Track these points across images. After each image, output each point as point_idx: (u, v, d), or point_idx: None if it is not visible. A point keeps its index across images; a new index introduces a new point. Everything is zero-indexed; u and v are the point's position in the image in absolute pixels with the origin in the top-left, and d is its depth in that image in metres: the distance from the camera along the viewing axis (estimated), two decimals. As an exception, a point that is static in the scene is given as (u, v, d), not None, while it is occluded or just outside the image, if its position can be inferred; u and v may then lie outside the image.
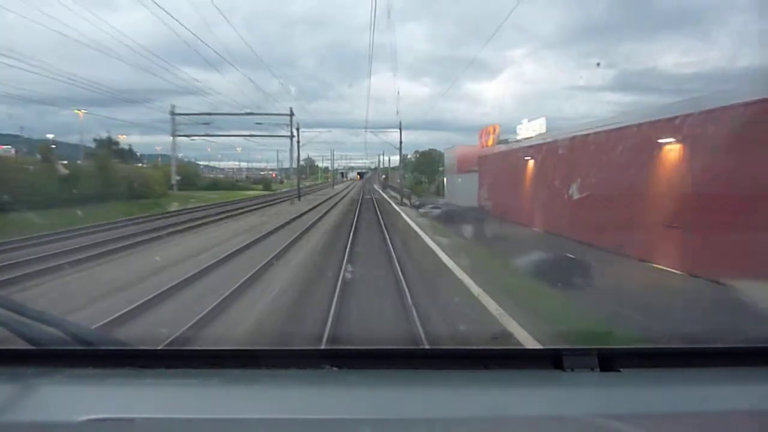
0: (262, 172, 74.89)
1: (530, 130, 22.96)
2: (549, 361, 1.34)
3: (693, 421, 1.12)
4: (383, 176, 72.01)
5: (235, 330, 7.04)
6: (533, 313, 7.14)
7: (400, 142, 39.25)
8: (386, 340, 4.85)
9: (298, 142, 35.99)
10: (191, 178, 44.96)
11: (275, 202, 35.66)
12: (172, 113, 34.82)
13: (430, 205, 30.34)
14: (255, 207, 30.06)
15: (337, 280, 9.59)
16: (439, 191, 41.16)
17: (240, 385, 1.31)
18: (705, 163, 10.33)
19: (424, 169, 56.39)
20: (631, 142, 12.92)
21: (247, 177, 68.27)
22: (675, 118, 11.40)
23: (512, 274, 10.71)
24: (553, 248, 13.17)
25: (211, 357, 1.50)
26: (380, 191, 57.37)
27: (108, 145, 37.45)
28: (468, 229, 19.31)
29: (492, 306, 7.62)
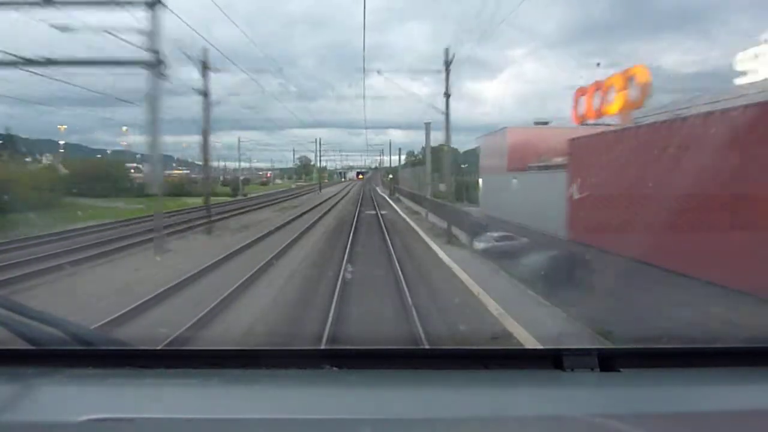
0: (260, 172, 73.38)
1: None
2: (549, 361, 1.34)
3: (693, 421, 1.12)
4: (389, 176, 60.70)
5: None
6: None
7: (426, 139, 26.22)
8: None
9: (206, 94, 18.92)
10: (111, 179, 33.27)
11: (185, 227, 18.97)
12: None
13: (496, 236, 14.71)
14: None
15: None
16: (461, 196, 30.37)
17: (240, 385, 1.31)
18: None
19: (434, 168, 48.66)
20: None
21: (222, 177, 60.37)
22: None
23: None
24: None
25: (211, 357, 1.50)
26: (386, 197, 45.63)
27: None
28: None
29: None
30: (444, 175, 23.87)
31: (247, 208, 29.43)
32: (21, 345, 1.37)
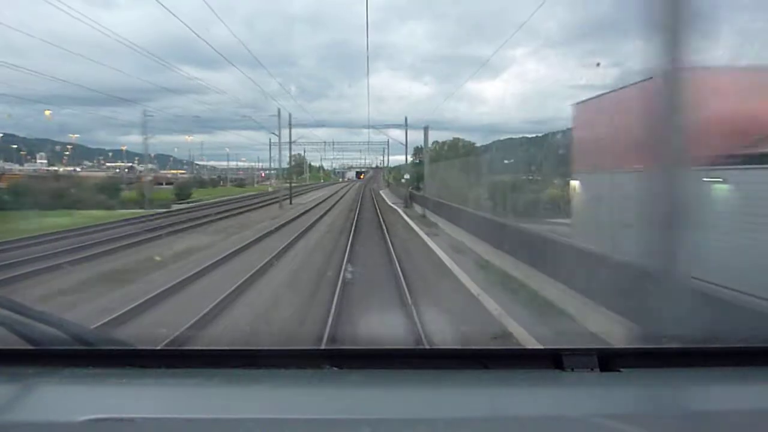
0: (259, 172, 73.31)
1: None
2: (549, 360, 1.34)
3: (693, 421, 1.12)
4: (403, 177, 44.97)
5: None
6: None
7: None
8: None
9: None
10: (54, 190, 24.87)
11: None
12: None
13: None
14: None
15: None
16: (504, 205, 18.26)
17: (240, 384, 1.31)
18: None
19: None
20: None
21: (195, 177, 58.61)
22: None
23: None
24: None
25: (211, 357, 1.50)
26: (399, 209, 30.68)
27: None
28: None
29: None
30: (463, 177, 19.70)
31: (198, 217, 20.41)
32: (21, 345, 1.37)
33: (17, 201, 24.02)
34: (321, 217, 26.17)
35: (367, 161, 77.27)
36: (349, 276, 10.31)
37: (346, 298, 8.96)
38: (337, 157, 72.33)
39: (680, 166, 4.66)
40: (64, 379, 1.30)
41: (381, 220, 23.68)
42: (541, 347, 1.45)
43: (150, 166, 59.51)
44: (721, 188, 7.37)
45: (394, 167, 67.41)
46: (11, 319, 1.38)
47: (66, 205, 21.78)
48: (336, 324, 7.55)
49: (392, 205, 35.12)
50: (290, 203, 34.89)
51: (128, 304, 8.27)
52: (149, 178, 40.65)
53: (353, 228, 19.82)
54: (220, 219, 24.00)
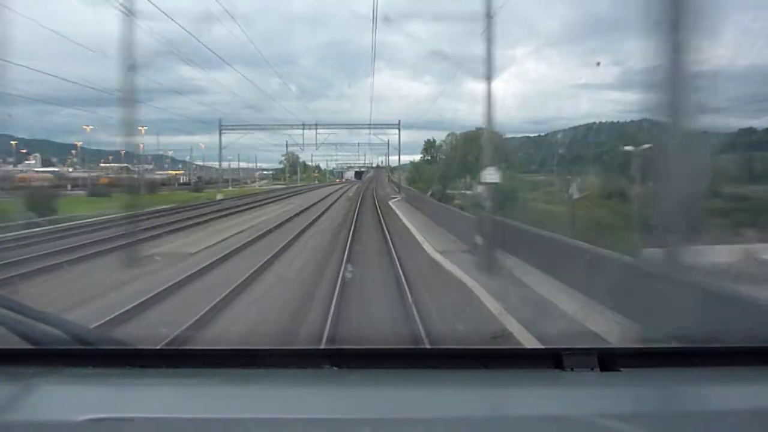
0: (267, 171, 70.73)
1: None
2: (549, 360, 1.34)
3: (693, 421, 1.12)
4: (438, 182, 33.17)
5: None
6: None
7: None
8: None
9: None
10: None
11: None
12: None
13: None
14: None
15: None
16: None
17: (240, 384, 1.31)
18: None
19: (468, 162, 29.06)
20: None
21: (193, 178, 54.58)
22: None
23: None
24: None
25: (211, 356, 1.51)
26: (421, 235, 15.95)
27: None
28: None
29: None
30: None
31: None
32: (21, 344, 1.37)
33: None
34: (316, 220, 18.53)
35: (367, 161, 72.18)
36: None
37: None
38: (335, 157, 68.64)
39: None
40: (64, 379, 1.30)
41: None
42: (541, 347, 1.45)
43: (147, 166, 59.16)
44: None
45: (410, 164, 51.69)
46: (11, 318, 1.38)
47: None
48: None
49: (408, 222, 19.38)
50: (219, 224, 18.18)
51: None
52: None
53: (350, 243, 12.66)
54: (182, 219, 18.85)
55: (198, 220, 21.02)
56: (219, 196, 36.85)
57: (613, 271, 7.49)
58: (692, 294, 5.98)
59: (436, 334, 6.50)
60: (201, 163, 65.98)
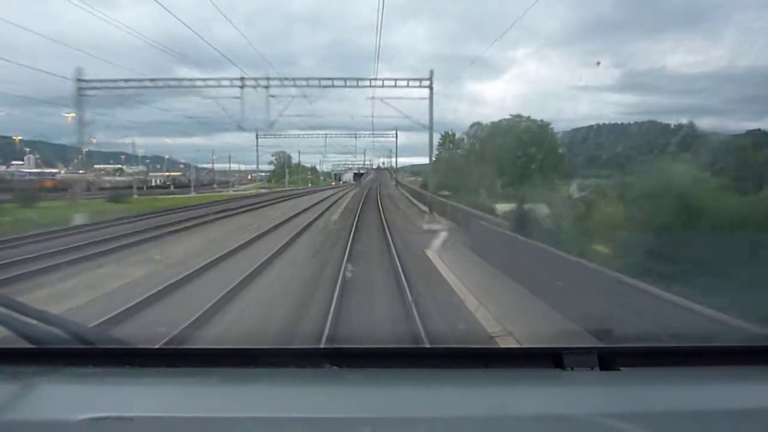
0: (265, 173, 67.35)
1: None
2: (549, 359, 1.34)
3: (693, 421, 1.12)
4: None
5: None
6: None
7: None
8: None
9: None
10: None
11: None
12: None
13: None
14: None
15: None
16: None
17: (240, 383, 1.31)
18: None
19: (501, 158, 23.55)
20: None
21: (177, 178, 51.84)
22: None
23: None
24: None
25: (210, 356, 1.51)
26: None
27: None
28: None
29: None
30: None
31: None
32: (21, 344, 1.37)
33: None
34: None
35: (367, 162, 69.39)
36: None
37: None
38: (333, 158, 64.75)
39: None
40: (64, 378, 1.30)
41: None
42: (541, 346, 1.45)
43: (141, 167, 55.21)
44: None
45: (433, 161, 34.36)
46: (12, 318, 1.38)
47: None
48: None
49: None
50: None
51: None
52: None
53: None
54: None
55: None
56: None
57: None
58: None
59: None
60: (202, 166, 65.21)
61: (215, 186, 57.68)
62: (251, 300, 8.53)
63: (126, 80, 25.94)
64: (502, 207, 16.15)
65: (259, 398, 1.25)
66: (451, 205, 21.39)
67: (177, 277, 9.40)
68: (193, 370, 1.37)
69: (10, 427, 1.07)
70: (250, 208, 28.41)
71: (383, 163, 74.04)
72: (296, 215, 23.34)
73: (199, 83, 27.07)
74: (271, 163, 66.95)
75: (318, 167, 74.82)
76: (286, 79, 26.83)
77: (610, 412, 1.11)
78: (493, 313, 7.42)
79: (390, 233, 16.70)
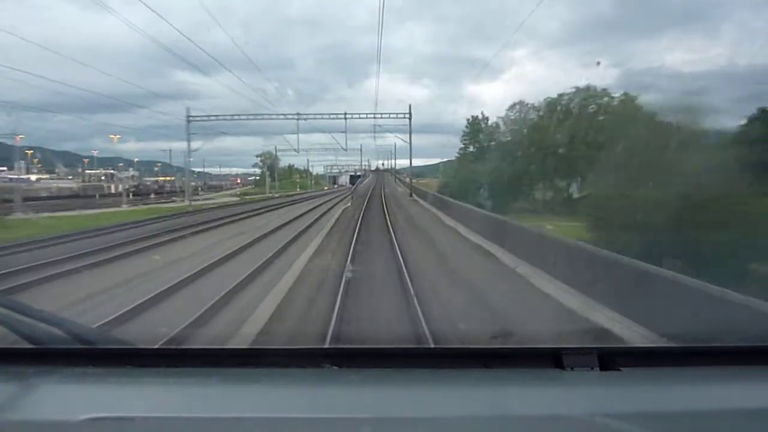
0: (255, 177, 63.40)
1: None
2: (549, 360, 1.34)
3: (693, 420, 1.12)
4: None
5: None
6: None
7: None
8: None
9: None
10: None
11: None
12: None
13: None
14: None
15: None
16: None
17: (240, 383, 1.31)
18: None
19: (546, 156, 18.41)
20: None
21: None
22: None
23: None
24: None
25: (210, 356, 1.51)
26: None
27: None
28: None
29: None
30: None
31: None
32: (21, 344, 1.38)
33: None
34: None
35: (364, 163, 65.29)
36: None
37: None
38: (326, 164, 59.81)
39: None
40: (64, 378, 1.30)
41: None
42: (541, 346, 1.45)
43: (132, 172, 52.63)
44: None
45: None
46: (12, 318, 1.38)
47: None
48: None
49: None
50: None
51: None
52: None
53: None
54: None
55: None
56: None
57: None
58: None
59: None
60: (198, 169, 63.99)
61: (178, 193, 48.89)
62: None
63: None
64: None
65: (259, 398, 1.25)
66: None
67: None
68: (193, 370, 1.37)
69: (10, 427, 1.07)
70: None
71: (382, 165, 70.00)
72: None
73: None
74: (255, 165, 61.53)
75: (311, 169, 68.13)
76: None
77: (610, 412, 1.11)
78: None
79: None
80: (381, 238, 17.12)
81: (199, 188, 55.03)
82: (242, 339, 6.81)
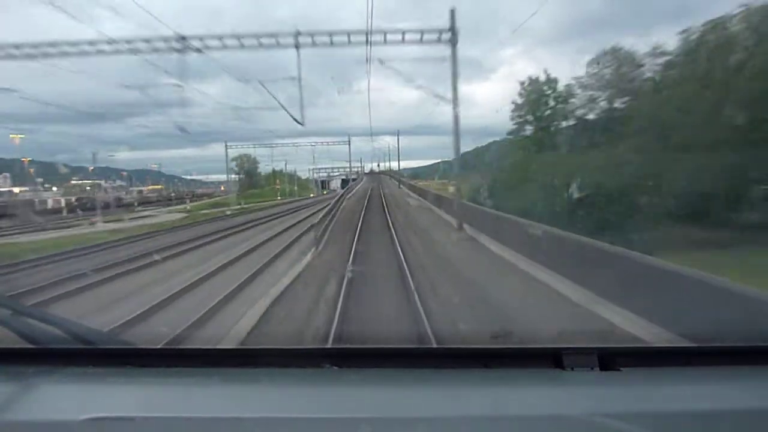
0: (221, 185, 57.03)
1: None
2: (549, 359, 1.34)
3: (693, 421, 1.12)
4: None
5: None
6: None
7: None
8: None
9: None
10: None
11: None
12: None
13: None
14: None
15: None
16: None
17: (240, 383, 1.31)
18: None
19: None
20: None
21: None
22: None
23: None
24: None
25: (211, 356, 1.51)
26: None
27: None
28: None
29: None
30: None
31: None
32: (21, 344, 1.38)
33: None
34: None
35: (357, 167, 59.13)
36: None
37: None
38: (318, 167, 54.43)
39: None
40: (64, 378, 1.30)
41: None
42: (541, 346, 1.44)
43: (119, 182, 49.64)
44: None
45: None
46: (12, 318, 1.38)
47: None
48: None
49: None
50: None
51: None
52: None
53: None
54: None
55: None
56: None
57: None
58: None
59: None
60: (190, 177, 62.81)
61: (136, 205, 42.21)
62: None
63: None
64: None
65: (259, 398, 1.25)
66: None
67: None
68: (193, 371, 1.37)
69: (10, 427, 1.07)
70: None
71: (378, 166, 64.19)
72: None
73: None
74: (231, 170, 51.48)
75: (291, 173, 58.13)
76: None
77: (610, 412, 1.11)
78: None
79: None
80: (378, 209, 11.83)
81: (175, 195, 48.53)
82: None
